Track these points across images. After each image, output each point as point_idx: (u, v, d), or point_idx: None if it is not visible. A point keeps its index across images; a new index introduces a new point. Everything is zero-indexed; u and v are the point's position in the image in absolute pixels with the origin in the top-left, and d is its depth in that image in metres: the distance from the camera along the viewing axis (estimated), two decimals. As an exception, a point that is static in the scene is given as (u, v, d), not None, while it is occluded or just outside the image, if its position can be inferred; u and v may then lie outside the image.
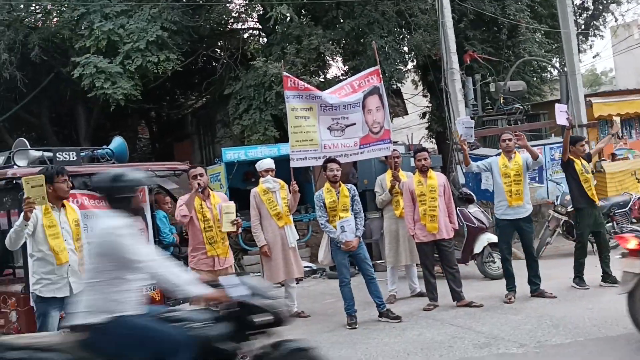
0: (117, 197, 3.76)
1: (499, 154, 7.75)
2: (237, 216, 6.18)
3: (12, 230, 5.07)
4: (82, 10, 12.71)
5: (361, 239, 7.10)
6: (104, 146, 7.71)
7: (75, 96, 14.81)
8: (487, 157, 9.20)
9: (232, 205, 6.03)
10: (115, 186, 3.77)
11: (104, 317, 3.55)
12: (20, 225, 4.96)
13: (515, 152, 7.48)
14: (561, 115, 7.76)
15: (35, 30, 13.77)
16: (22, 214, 4.96)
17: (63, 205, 5.34)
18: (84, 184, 6.61)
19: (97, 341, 3.56)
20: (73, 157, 6.90)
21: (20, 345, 3.58)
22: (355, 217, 7.02)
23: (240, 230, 6.37)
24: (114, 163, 7.42)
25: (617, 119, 9.21)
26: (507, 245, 7.51)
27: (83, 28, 12.55)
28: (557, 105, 8.34)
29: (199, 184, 5.89)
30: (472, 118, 12.28)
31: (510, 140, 7.46)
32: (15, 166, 6.40)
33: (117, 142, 7.75)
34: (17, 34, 13.32)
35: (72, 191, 6.34)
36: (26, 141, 6.99)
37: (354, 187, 7.25)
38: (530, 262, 7.42)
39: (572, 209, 8.27)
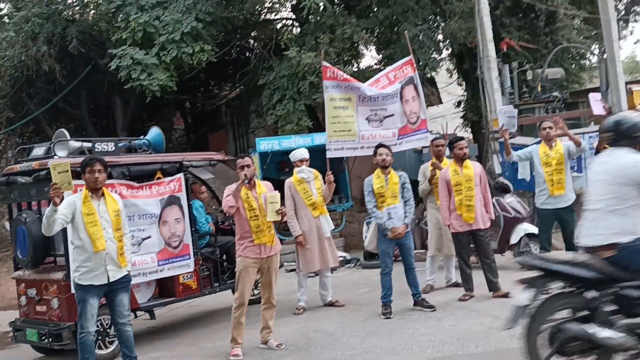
0: (632, 136, 4.26)
1: (538, 142, 7.61)
2: (281, 205, 6.23)
3: (44, 216, 5.20)
4: (118, 3, 12.89)
5: (409, 227, 7.05)
6: (141, 137, 7.83)
7: (112, 87, 15.06)
8: (524, 146, 9.06)
9: (277, 195, 6.08)
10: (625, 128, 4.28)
11: (631, 238, 4.09)
12: (50, 211, 5.08)
13: (556, 141, 7.34)
14: (597, 105, 7.60)
15: (73, 22, 14.03)
16: (51, 200, 5.07)
17: (103, 195, 5.42)
18: (122, 174, 6.73)
19: (624, 258, 4.09)
20: (111, 148, 7.03)
21: (561, 260, 4.38)
22: (405, 205, 6.98)
23: (282, 219, 6.39)
24: (150, 153, 7.54)
25: None
26: (547, 236, 7.38)
27: (119, 20, 12.73)
28: (591, 95, 8.18)
29: (245, 175, 5.94)
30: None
31: (550, 128, 7.32)
32: (55, 156, 6.54)
33: (154, 132, 7.86)
34: (55, 26, 13.59)
35: (110, 181, 6.52)
36: (66, 132, 7.14)
37: (405, 175, 7.18)
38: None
39: None
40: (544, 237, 7.38)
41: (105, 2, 13.21)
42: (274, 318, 6.27)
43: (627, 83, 13.19)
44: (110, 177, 6.60)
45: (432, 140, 8.12)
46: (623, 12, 17.51)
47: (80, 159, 5.74)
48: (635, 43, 43.31)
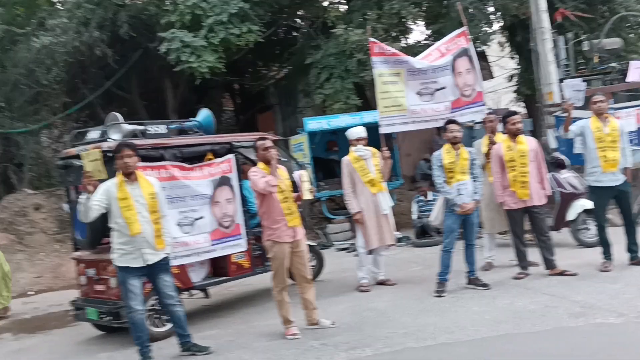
0: None
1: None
2: (310, 184, 6.24)
3: (80, 204, 5.33)
4: (166, -14, 13.00)
5: (478, 203, 6.95)
6: (191, 119, 7.91)
7: (162, 71, 15.27)
8: (580, 119, 8.76)
9: (306, 174, 6.09)
10: None
11: None
12: (84, 198, 5.23)
13: (608, 116, 7.04)
14: (635, 72, 7.25)
15: (123, 7, 14.21)
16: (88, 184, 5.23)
17: (137, 179, 5.51)
18: (173, 156, 6.82)
19: None
20: (163, 130, 7.12)
21: None
22: (474, 181, 6.87)
23: (313, 197, 6.38)
24: (201, 135, 7.61)
25: None
26: (602, 212, 7.14)
27: (168, 3, 12.85)
28: (632, 62, 7.77)
29: (276, 154, 5.93)
30: (563, 79, 11.73)
31: (603, 102, 7.01)
32: (109, 139, 6.67)
33: (204, 114, 7.93)
34: (106, 12, 13.80)
35: (162, 162, 6.63)
36: (119, 115, 7.27)
37: (475, 151, 7.08)
38: (629, 229, 7.05)
39: None
40: (600, 213, 7.12)
41: (154, -13, 13.35)
42: (315, 297, 6.21)
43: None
44: (162, 158, 6.73)
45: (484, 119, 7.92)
46: (686, -24, 16.63)
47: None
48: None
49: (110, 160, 5.88)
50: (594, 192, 7.18)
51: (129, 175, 5.48)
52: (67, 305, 7.74)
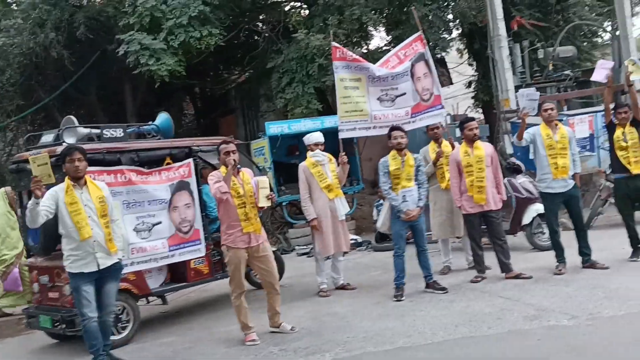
0: None
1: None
2: (271, 190, 6.17)
3: (27, 209, 5.21)
4: (125, -13, 12.83)
5: (422, 210, 7.02)
6: (150, 122, 7.81)
7: (121, 73, 15.06)
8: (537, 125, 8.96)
9: (266, 180, 6.02)
10: None
11: None
12: (32, 204, 5.10)
13: (558, 123, 7.22)
14: (601, 72, 7.46)
15: (80, 8, 14.00)
16: (33, 193, 5.07)
17: (86, 183, 5.43)
18: (131, 160, 6.72)
19: None
20: (120, 134, 7.01)
21: None
22: (419, 187, 6.94)
23: (272, 204, 6.32)
24: (159, 139, 7.52)
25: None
26: (554, 217, 7.29)
27: (127, 5, 12.68)
28: (601, 61, 7.98)
29: (234, 160, 5.85)
30: (519, 86, 11.98)
31: (552, 109, 7.19)
32: (64, 143, 6.53)
33: (163, 118, 7.84)
34: (63, 13, 13.56)
35: (119, 167, 6.53)
36: (74, 118, 7.14)
37: (421, 157, 7.16)
38: (580, 233, 7.24)
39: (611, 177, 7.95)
40: (552, 218, 7.28)
41: (112, -13, 13.17)
42: (280, 303, 6.21)
43: (640, 60, 12.99)
44: (119, 163, 6.63)
45: (427, 126, 8.02)
46: (636, -12, 17.21)
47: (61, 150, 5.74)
48: (648, 19, 42.76)
49: (60, 165, 5.75)
50: (546, 198, 7.35)
51: (78, 180, 5.39)
52: (20, 313, 7.53)
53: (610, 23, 16.19)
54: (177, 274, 7.26)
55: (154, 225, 6.76)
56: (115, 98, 17.45)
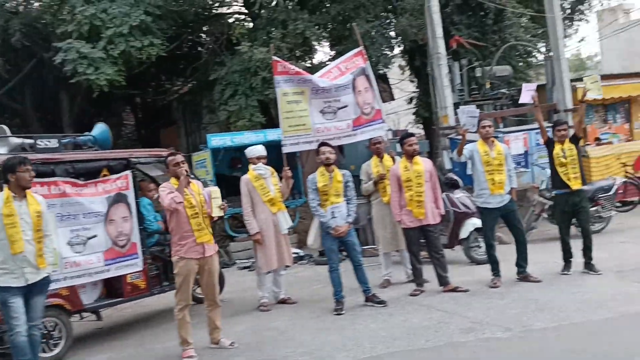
0: None
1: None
2: (223, 200, 6.14)
3: None
4: (63, -5, 12.52)
5: (352, 225, 7.08)
6: (86, 133, 7.62)
7: (58, 82, 14.64)
8: (474, 142, 9.18)
9: (217, 190, 6.00)
10: None
11: None
12: None
13: (494, 140, 7.44)
14: (526, 94, 7.82)
15: (16, 15, 13.58)
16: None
17: (25, 196, 5.27)
18: (66, 172, 6.53)
19: None
20: (55, 144, 6.80)
21: None
22: (348, 203, 6.99)
23: (224, 214, 6.29)
24: (96, 150, 7.34)
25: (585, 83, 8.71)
26: (491, 232, 7.50)
27: (65, 13, 12.37)
28: (525, 84, 8.37)
29: (186, 171, 5.83)
30: (457, 103, 12.29)
31: (490, 127, 7.42)
32: (-5, 153, 6.29)
33: (100, 128, 7.65)
34: (-3, 19, 13.12)
35: (54, 178, 6.34)
36: (6, 128, 6.88)
37: (349, 173, 7.19)
38: (520, 246, 7.42)
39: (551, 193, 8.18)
40: (489, 233, 7.49)
41: (50, -6, 12.83)
42: (220, 317, 6.16)
43: (572, 80, 13.57)
44: (53, 174, 6.42)
45: (370, 140, 8.13)
46: (568, 11, 17.98)
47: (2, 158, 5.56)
48: (579, 41, 44.65)
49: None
50: (483, 213, 7.55)
51: (21, 191, 5.22)
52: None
53: (544, 44, 16.85)
54: (113, 288, 7.06)
55: (89, 238, 6.56)
56: (51, 107, 16.95)
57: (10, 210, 5.12)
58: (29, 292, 5.26)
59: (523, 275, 7.36)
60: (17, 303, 5.17)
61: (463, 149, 7.42)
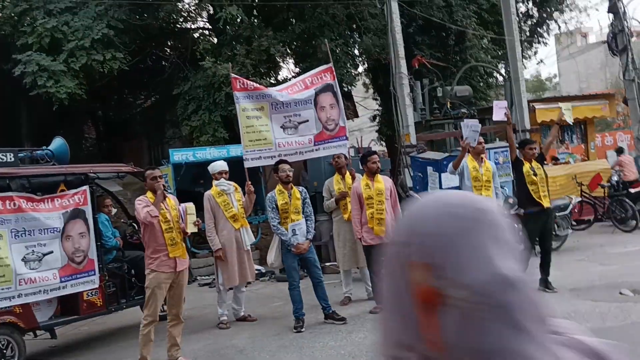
0: None
1: (446, 158, 7.82)
2: (197, 217, 6.17)
3: None
4: (24, 6, 12.35)
5: (311, 242, 7.09)
6: (44, 147, 7.49)
7: (16, 94, 14.35)
8: (434, 160, 9.32)
9: (192, 206, 6.01)
10: None
11: None
12: None
13: (484, 157, 7.51)
14: (499, 112, 7.95)
15: (-26, 25, 13.29)
16: None
17: None
18: (21, 186, 6.40)
19: None
20: (11, 159, 6.66)
21: None
22: (306, 220, 7.01)
23: (198, 230, 6.32)
24: (54, 164, 7.22)
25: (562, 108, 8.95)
26: None
27: (25, 24, 12.18)
28: (496, 102, 8.53)
29: (163, 185, 5.82)
30: (419, 122, 12.45)
31: (482, 143, 7.53)
32: (-52, 167, 6.14)
33: (58, 143, 7.53)
34: (-46, 28, 12.84)
35: (9, 193, 6.21)
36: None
37: (305, 190, 7.24)
38: None
39: (518, 211, 8.21)
40: None
41: (10, 5, 12.64)
42: (181, 334, 6.12)
43: (530, 101, 13.92)
44: (8, 189, 6.29)
45: (333, 156, 8.18)
46: (528, 34, 18.46)
47: None
48: (538, 63, 45.78)
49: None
50: None
51: None
52: None
53: (504, 65, 17.25)
54: (68, 306, 6.91)
55: (44, 255, 6.43)
56: (9, 119, 16.58)
57: None
58: None
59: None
60: None
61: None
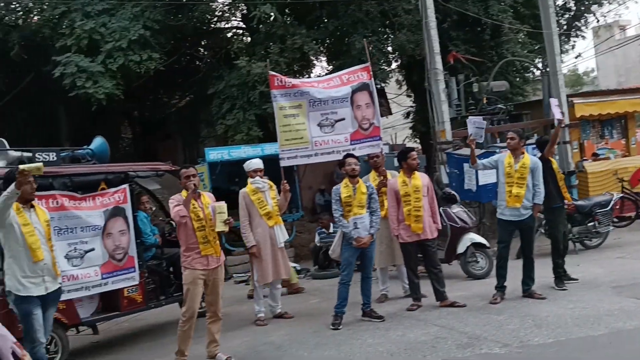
0: None
1: (483, 154, 7.74)
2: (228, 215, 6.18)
3: (3, 196, 5.02)
4: (63, 9, 12.59)
5: (374, 237, 7.07)
6: (85, 146, 7.64)
7: (56, 96, 14.68)
8: (466, 156, 9.21)
9: (224, 205, 6.03)
10: None
11: None
12: (11, 192, 4.93)
13: (523, 153, 7.30)
14: (557, 110, 7.92)
15: (15, 28, 13.62)
16: (15, 182, 4.93)
17: (32, 206, 5.30)
18: (64, 185, 6.54)
19: None
20: (53, 158, 6.82)
21: None
22: (371, 215, 6.98)
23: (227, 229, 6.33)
24: (94, 163, 7.35)
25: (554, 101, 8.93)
26: (504, 245, 7.32)
27: (64, 27, 12.43)
28: (551, 99, 8.45)
29: (194, 185, 5.87)
30: (455, 118, 12.33)
31: (512, 139, 7.28)
32: (-6, 166, 6.31)
33: (98, 142, 7.68)
34: (-4, 32, 13.18)
35: (52, 192, 6.34)
36: (5, 141, 6.90)
37: (372, 186, 7.20)
38: (526, 263, 7.31)
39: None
40: (501, 246, 7.35)
41: (49, 8, 12.90)
42: (220, 331, 6.18)
43: (568, 96, 13.65)
44: (51, 187, 6.43)
45: (368, 155, 8.15)
46: (565, 27, 18.11)
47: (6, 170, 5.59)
48: (576, 57, 44.80)
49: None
50: (499, 224, 7.49)
51: (27, 202, 5.26)
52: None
53: (541, 60, 16.95)
54: (110, 302, 7.05)
55: (86, 252, 6.57)
56: (49, 121, 16.97)
57: (25, 219, 5.17)
58: (44, 303, 5.28)
59: (528, 293, 7.29)
60: (39, 313, 5.20)
61: (486, 159, 7.55)
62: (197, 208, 5.95)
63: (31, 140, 15.13)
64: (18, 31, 13.38)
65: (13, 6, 14.28)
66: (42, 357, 5.22)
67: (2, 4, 13.78)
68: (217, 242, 6.08)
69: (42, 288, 5.19)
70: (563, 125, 7.87)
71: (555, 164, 7.67)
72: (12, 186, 4.94)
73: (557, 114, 7.88)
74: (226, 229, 6.05)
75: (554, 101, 8.18)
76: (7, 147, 6.81)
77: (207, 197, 6.15)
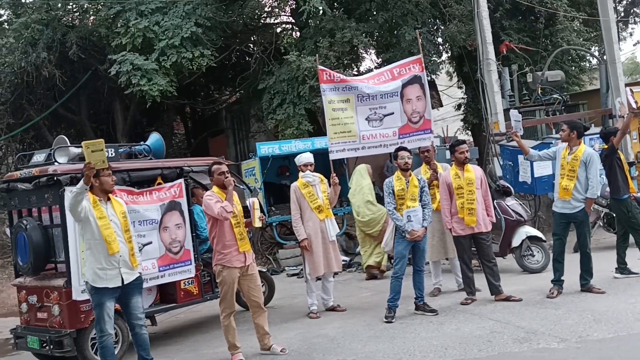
0: None
1: (537, 145, 7.61)
2: (261, 212, 6.31)
3: (72, 192, 5.23)
4: (117, 8, 12.91)
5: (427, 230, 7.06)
6: (141, 142, 7.83)
7: (112, 93, 15.10)
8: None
9: (257, 201, 6.12)
10: None
11: None
12: (80, 188, 5.14)
13: (580, 143, 7.05)
14: (631, 99, 7.81)
15: (72, 28, 14.05)
16: (83, 177, 5.13)
17: (109, 199, 5.48)
18: (122, 180, 6.72)
19: None
20: (112, 154, 7.00)
21: None
22: (424, 208, 6.96)
23: (263, 225, 6.45)
24: (151, 159, 7.53)
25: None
26: (558, 237, 7.17)
27: (119, 26, 12.75)
28: (627, 89, 8.30)
29: (233, 181, 5.96)
30: (508, 109, 12.10)
31: (563, 130, 7.16)
32: (56, 163, 6.53)
33: (154, 138, 7.86)
34: (55, 32, 13.61)
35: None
36: (66, 138, 7.14)
37: (424, 179, 7.19)
38: (583, 258, 7.12)
39: (610, 199, 8.04)
40: (556, 238, 7.20)
41: (104, 8, 13.25)
42: (267, 322, 6.21)
43: (627, 85, 13.19)
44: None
45: (419, 148, 8.08)
46: (622, 14, 17.51)
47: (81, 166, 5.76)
48: (635, 45, 43.26)
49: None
50: (553, 217, 7.37)
51: (104, 194, 5.46)
52: (7, 333, 7.46)
53: (597, 48, 16.44)
54: (167, 294, 7.22)
55: (144, 245, 6.72)
56: (105, 118, 17.47)
57: (101, 212, 5.36)
58: (124, 294, 5.46)
59: (587, 287, 7.09)
60: (111, 306, 5.39)
61: (544, 150, 7.54)
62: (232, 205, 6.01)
63: (90, 137, 15.63)
64: (75, 31, 13.78)
65: (70, 7, 14.72)
66: (109, 347, 5.40)
67: (59, 5, 14.21)
68: (248, 238, 6.17)
69: (118, 280, 5.37)
70: (636, 112, 7.61)
71: (622, 155, 7.54)
72: (81, 182, 5.13)
73: (632, 102, 7.74)
74: (260, 224, 6.14)
75: (629, 91, 8.01)
76: (68, 143, 7.03)
77: (235, 195, 6.21)
